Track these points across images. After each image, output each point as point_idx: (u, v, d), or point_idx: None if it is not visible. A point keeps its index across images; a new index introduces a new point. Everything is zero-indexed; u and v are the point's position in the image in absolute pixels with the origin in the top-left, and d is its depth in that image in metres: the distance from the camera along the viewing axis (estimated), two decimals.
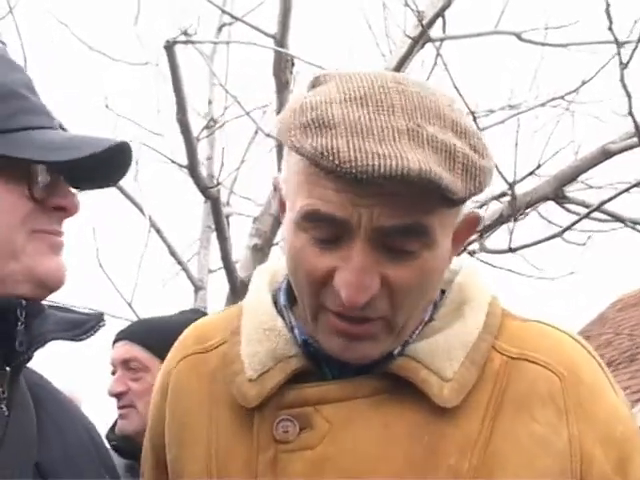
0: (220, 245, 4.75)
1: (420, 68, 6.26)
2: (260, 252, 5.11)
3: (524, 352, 1.23)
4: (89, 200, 1.33)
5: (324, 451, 1.20)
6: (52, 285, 1.22)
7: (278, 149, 5.06)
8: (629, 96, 3.64)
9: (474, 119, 4.24)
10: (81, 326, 1.29)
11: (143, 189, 5.51)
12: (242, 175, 6.54)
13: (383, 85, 1.14)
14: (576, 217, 4.85)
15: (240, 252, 5.40)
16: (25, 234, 1.19)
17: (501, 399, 1.20)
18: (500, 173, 4.25)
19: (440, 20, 5.47)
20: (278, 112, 5.03)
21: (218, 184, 4.36)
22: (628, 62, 3.49)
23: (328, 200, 1.11)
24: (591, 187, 5.79)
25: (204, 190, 4.38)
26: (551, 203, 4.79)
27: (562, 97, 6.81)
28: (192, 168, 4.28)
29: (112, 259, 5.67)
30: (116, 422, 2.74)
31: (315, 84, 1.20)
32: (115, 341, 2.76)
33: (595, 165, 4.45)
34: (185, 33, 3.74)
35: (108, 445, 2.67)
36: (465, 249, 4.16)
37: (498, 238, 5.03)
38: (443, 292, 1.30)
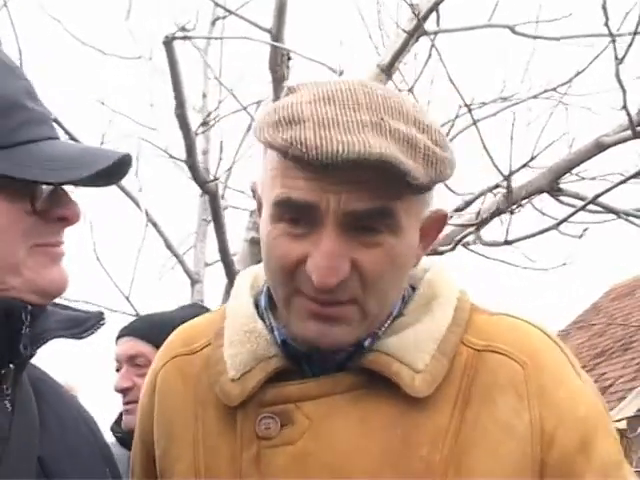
0: (218, 238, 4.76)
1: (413, 62, 6.29)
2: (257, 245, 5.02)
3: (490, 344, 1.29)
4: (86, 194, 1.36)
5: (304, 446, 1.26)
6: (55, 293, 1.26)
7: None
8: (624, 91, 3.67)
9: (469, 112, 4.27)
10: (82, 324, 1.32)
11: (139, 183, 5.48)
12: (237, 169, 6.52)
13: (350, 88, 1.23)
14: (570, 209, 4.91)
15: (236, 245, 5.42)
16: (26, 249, 1.22)
17: (469, 391, 1.25)
18: (495, 166, 4.28)
19: (434, 14, 5.48)
20: None
21: (216, 178, 4.37)
22: (623, 57, 3.52)
23: (299, 188, 1.19)
24: (583, 179, 5.83)
25: (202, 184, 4.40)
26: (545, 196, 4.83)
27: (554, 89, 6.84)
28: (191, 162, 4.30)
29: (109, 253, 5.69)
30: (121, 416, 2.77)
31: (290, 91, 1.29)
32: (119, 337, 2.79)
33: (589, 158, 4.48)
34: (183, 29, 3.76)
35: (114, 437, 2.71)
36: (461, 241, 4.20)
37: (492, 230, 5.08)
38: (413, 290, 1.36)
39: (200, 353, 1.41)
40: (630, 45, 3.67)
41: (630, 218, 4.51)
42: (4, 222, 1.19)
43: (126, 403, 2.71)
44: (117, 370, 2.78)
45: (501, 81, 7.23)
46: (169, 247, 6.18)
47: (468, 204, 4.77)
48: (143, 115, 7.59)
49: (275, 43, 4.05)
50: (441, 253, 4.26)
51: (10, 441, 1.20)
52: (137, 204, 5.97)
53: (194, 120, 5.17)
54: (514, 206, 4.03)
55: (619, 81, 3.59)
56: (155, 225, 6.11)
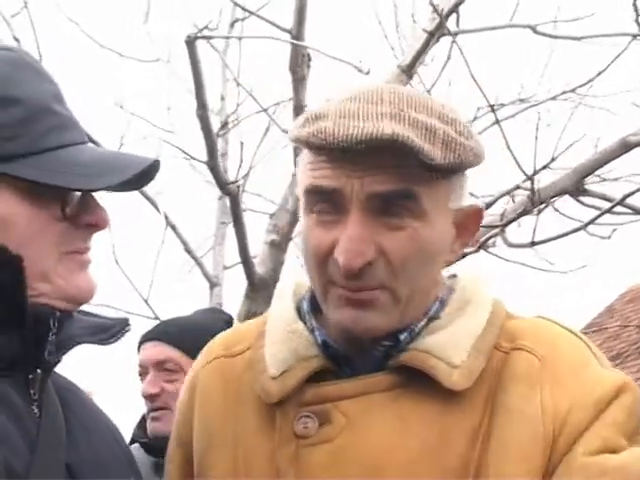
0: (238, 241, 4.73)
1: (430, 64, 6.25)
2: (277, 248, 5.10)
3: (515, 344, 1.31)
4: (105, 198, 1.34)
5: (342, 442, 1.27)
6: (83, 300, 1.27)
7: (295, 149, 5.05)
8: None
9: (493, 112, 4.22)
10: (107, 330, 1.33)
11: (159, 186, 5.46)
12: (254, 172, 6.49)
13: (376, 88, 1.30)
14: (592, 210, 4.86)
15: (255, 248, 5.39)
16: (57, 256, 1.23)
17: (495, 390, 1.27)
18: (519, 165, 4.23)
19: (454, 14, 5.45)
20: (295, 107, 5.03)
21: (238, 180, 4.34)
22: None
23: (324, 176, 1.25)
24: (605, 180, 5.78)
25: (223, 186, 4.37)
26: (566, 197, 4.78)
27: (573, 90, 6.81)
28: (212, 164, 4.27)
29: (128, 256, 5.66)
30: (143, 421, 2.71)
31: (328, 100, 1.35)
32: (144, 341, 2.71)
33: (615, 158, 4.43)
34: (206, 28, 3.73)
35: (137, 443, 2.66)
36: (486, 242, 4.15)
37: (510, 233, 5.01)
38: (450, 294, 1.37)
39: (241, 356, 1.42)
40: None
41: None
42: (35, 229, 1.21)
43: (154, 410, 2.62)
44: (140, 375, 2.71)
45: (520, 83, 7.18)
46: (188, 250, 6.16)
47: (488, 206, 4.74)
48: (160, 118, 7.55)
49: (298, 42, 4.00)
50: (464, 255, 4.21)
51: (38, 447, 1.20)
52: (156, 207, 5.96)
53: (212, 123, 5.13)
54: (541, 205, 3.96)
55: None
56: (174, 228, 6.09)
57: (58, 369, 1.33)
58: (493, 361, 1.30)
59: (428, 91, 5.57)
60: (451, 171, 1.27)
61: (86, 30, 5.95)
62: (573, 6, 6.01)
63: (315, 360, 1.32)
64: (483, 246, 4.41)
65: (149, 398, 2.63)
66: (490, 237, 4.16)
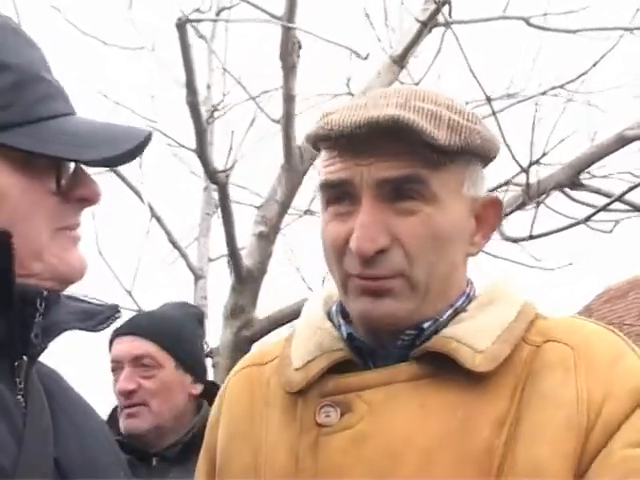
0: (226, 232, 4.63)
1: (420, 55, 6.17)
2: (266, 239, 5.01)
3: (546, 337, 1.29)
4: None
5: (362, 428, 1.27)
6: (73, 279, 1.22)
7: (285, 136, 4.97)
8: None
9: (489, 104, 4.14)
10: (96, 316, 1.27)
11: (143, 175, 5.37)
12: (239, 164, 6.39)
13: (389, 88, 1.36)
14: (585, 206, 4.79)
15: (240, 241, 5.28)
16: (50, 232, 1.18)
17: (526, 379, 1.26)
18: (514, 158, 4.16)
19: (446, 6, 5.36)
20: (285, 97, 4.94)
21: (226, 169, 4.23)
22: None
23: (335, 170, 1.29)
24: (594, 177, 5.72)
25: (212, 175, 4.26)
26: (557, 194, 4.72)
27: (562, 86, 6.76)
28: (201, 152, 4.16)
29: (111, 247, 5.56)
30: (113, 417, 2.59)
31: None
32: (119, 335, 2.59)
33: (611, 152, 4.37)
34: (197, 10, 3.62)
35: None
36: None
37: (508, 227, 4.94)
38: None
39: (271, 364, 1.45)
40: None
41: None
42: (28, 202, 1.15)
43: (130, 406, 2.51)
44: (114, 371, 2.58)
45: (510, 76, 7.11)
46: (172, 241, 6.07)
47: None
48: (145, 107, 7.44)
49: (293, 25, 3.88)
50: None
51: (25, 441, 1.14)
52: (140, 197, 5.87)
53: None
54: (540, 197, 3.89)
55: None
56: (158, 219, 6.00)
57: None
58: (523, 353, 1.28)
59: (416, 84, 5.47)
60: (458, 153, 1.28)
61: (69, 17, 5.85)
62: None
63: (339, 352, 1.33)
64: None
65: (125, 394, 2.51)
66: None
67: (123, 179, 5.86)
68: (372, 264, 1.26)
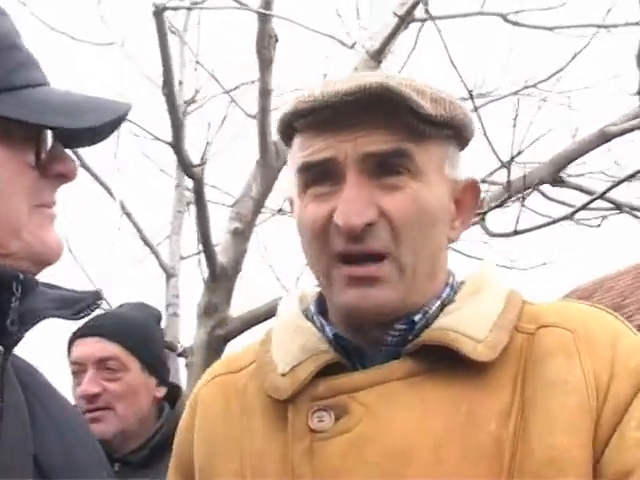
0: (200, 227, 4.53)
1: (394, 51, 6.12)
2: (241, 236, 4.91)
3: (539, 323, 1.25)
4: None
5: (362, 431, 1.20)
6: (50, 260, 1.15)
7: (261, 132, 4.89)
8: None
9: (471, 99, 4.07)
10: (76, 304, 1.20)
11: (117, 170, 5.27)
12: (210, 163, 6.29)
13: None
14: (559, 205, 4.75)
15: (213, 238, 5.18)
16: (28, 208, 1.12)
17: (526, 370, 1.21)
18: (495, 152, 4.10)
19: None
20: (261, 91, 4.85)
21: (202, 163, 4.13)
22: None
23: (317, 150, 1.23)
24: (570, 176, 5.69)
25: (187, 168, 4.16)
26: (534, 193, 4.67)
27: (534, 85, 6.75)
28: (177, 145, 4.05)
29: (82, 243, 5.45)
30: None
31: None
32: (80, 336, 2.46)
33: (593, 148, 4.32)
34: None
35: None
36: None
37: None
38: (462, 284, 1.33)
39: (245, 370, 1.37)
40: None
41: (634, 212, 4.34)
42: (7, 175, 1.08)
43: (93, 410, 2.37)
44: (75, 373, 2.44)
45: (487, 74, 7.10)
46: (143, 239, 5.97)
47: None
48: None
49: (271, 13, 3.79)
50: None
51: (2, 438, 1.08)
52: (111, 194, 5.77)
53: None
54: (524, 192, 3.83)
55: (639, 64, 3.40)
56: (129, 216, 5.90)
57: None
58: (517, 342, 1.23)
59: None
60: (441, 127, 1.24)
61: (37, 13, 5.76)
62: None
63: (326, 354, 1.26)
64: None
65: (88, 398, 2.37)
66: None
67: (94, 175, 5.75)
68: (359, 240, 1.20)
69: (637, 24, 5.85)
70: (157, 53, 3.98)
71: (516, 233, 3.84)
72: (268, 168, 5.02)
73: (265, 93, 4.84)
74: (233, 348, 5.01)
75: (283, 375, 1.27)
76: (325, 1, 7.02)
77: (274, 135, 5.05)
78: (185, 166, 4.15)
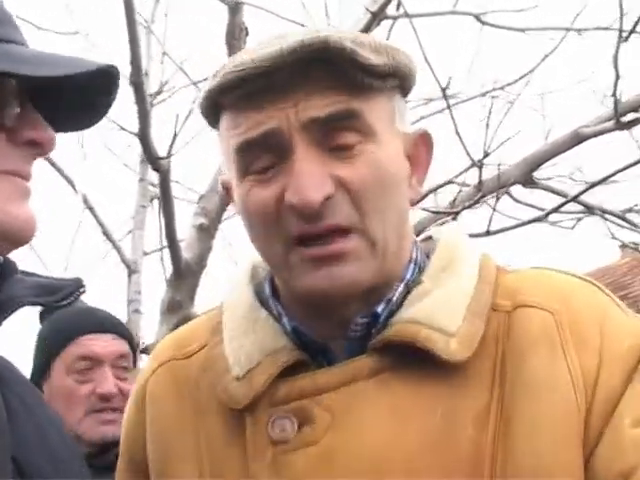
0: (166, 222, 4.42)
1: None
2: (206, 232, 4.80)
3: (516, 301, 1.14)
4: None
5: (329, 443, 1.09)
6: (21, 238, 1.02)
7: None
8: (617, 76, 3.46)
9: (444, 96, 4.02)
10: (58, 291, 1.12)
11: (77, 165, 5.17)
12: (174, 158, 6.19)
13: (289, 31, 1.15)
14: (527, 209, 4.72)
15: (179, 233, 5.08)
16: None
17: (504, 358, 1.11)
18: (467, 152, 4.06)
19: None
20: None
21: (169, 155, 4.02)
22: (628, 35, 3.30)
23: (253, 123, 1.08)
24: (537, 182, 5.66)
25: (154, 161, 4.05)
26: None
27: (502, 88, 6.74)
28: (143, 136, 3.94)
29: (42, 237, 5.33)
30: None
31: None
32: (92, 332, 2.33)
33: (566, 150, 4.28)
34: None
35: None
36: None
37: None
38: (427, 258, 1.21)
39: (196, 356, 1.24)
40: (632, 31, 3.43)
41: (606, 215, 4.32)
42: None
43: (112, 410, 2.25)
44: (83, 370, 2.29)
45: (455, 74, 7.07)
46: (105, 234, 5.85)
47: (424, 197, 4.55)
48: None
49: (244, 1, 3.69)
50: None
51: None
52: (73, 186, 5.65)
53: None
54: (499, 192, 3.79)
55: (615, 65, 3.37)
56: (92, 210, 5.78)
57: None
58: (493, 324, 1.12)
59: None
60: (389, 75, 1.11)
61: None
62: None
63: (285, 352, 1.14)
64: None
65: (106, 398, 2.26)
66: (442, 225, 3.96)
67: (56, 167, 5.62)
68: (318, 217, 1.06)
69: (607, 28, 5.86)
70: (123, 43, 3.90)
71: (488, 234, 3.78)
72: None
73: None
74: None
75: (238, 379, 1.14)
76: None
77: None
78: (151, 158, 4.04)
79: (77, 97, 1.05)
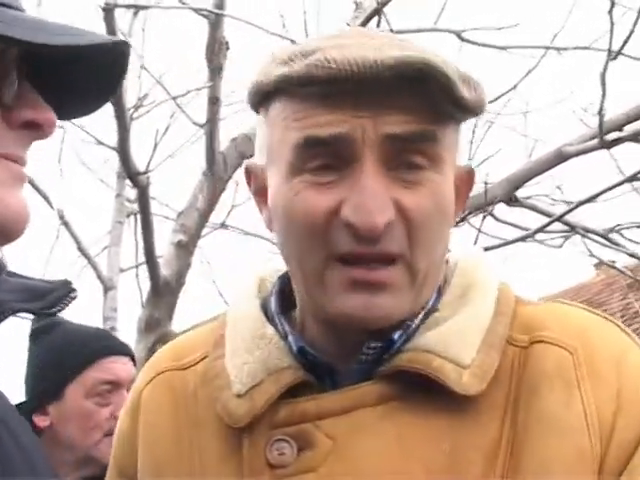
0: (145, 238, 4.36)
1: None
2: (185, 249, 4.74)
3: (534, 336, 1.08)
4: None
5: (329, 472, 1.03)
6: (12, 228, 0.90)
7: (208, 141, 4.74)
8: (604, 94, 3.43)
9: None
10: (46, 296, 0.99)
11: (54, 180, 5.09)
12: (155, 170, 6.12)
13: (350, 29, 1.14)
14: (506, 227, 4.71)
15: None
16: None
17: (518, 393, 1.05)
18: None
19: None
20: (210, 99, 4.71)
21: (148, 171, 3.96)
22: (617, 54, 3.28)
23: (325, 123, 1.01)
24: (521, 200, 5.66)
25: (133, 176, 3.98)
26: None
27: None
28: (122, 151, 3.88)
29: (17, 252, 5.23)
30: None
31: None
32: (115, 354, 2.34)
33: (549, 168, 4.26)
34: None
35: None
36: None
37: None
38: (445, 282, 1.15)
39: (194, 368, 1.18)
40: (622, 47, 3.41)
41: (588, 234, 4.30)
42: None
43: None
44: (103, 393, 2.27)
45: None
46: (81, 249, 5.77)
47: None
48: None
49: (222, 12, 3.64)
50: None
51: None
52: (49, 203, 5.57)
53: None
54: (487, 209, 3.76)
55: (603, 83, 3.34)
56: (67, 225, 5.70)
57: None
58: (508, 358, 1.07)
59: None
60: (471, 110, 1.05)
61: None
62: (499, 16, 5.90)
63: (289, 372, 1.09)
64: None
65: None
66: None
67: (32, 183, 5.53)
68: (374, 242, 1.00)
69: (587, 48, 5.87)
70: None
71: None
72: (215, 179, 4.87)
73: (214, 101, 4.70)
74: None
75: (238, 397, 1.09)
76: (271, 13, 6.91)
77: (222, 145, 4.91)
78: (130, 173, 3.98)
79: (79, 77, 0.94)
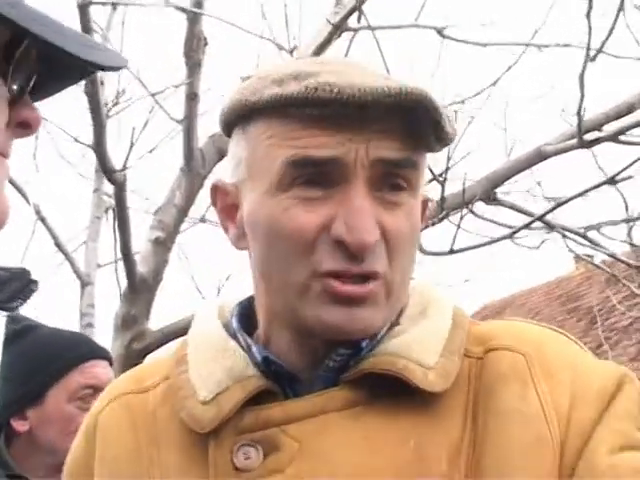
0: (121, 235, 4.32)
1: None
2: (162, 246, 4.71)
3: (487, 346, 1.14)
4: None
5: (296, 472, 1.05)
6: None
7: (186, 137, 4.70)
8: (582, 95, 3.42)
9: None
10: (1, 286, 0.89)
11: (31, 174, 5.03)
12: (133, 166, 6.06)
13: (339, 59, 1.19)
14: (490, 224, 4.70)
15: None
16: None
17: (477, 399, 1.10)
18: (431, 170, 4.00)
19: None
20: (188, 95, 4.68)
21: (125, 168, 3.92)
22: (596, 55, 3.27)
23: (319, 144, 1.04)
24: (500, 199, 5.65)
25: (109, 173, 3.94)
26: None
27: (462, 102, 6.72)
28: (99, 148, 3.83)
29: None
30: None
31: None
32: (97, 358, 2.33)
33: (529, 167, 4.25)
34: None
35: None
36: None
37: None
38: None
39: (154, 391, 1.19)
40: (602, 46, 3.40)
41: (567, 233, 4.29)
42: None
43: None
44: (85, 397, 2.25)
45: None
46: (58, 245, 5.71)
47: None
48: None
49: (201, 11, 3.60)
50: None
51: None
52: (26, 198, 5.51)
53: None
54: (447, 214, 3.74)
55: (581, 84, 3.33)
56: (44, 221, 5.64)
57: None
58: (465, 368, 1.12)
59: None
60: (445, 145, 1.11)
61: None
62: (480, 12, 5.88)
63: (254, 380, 1.11)
64: None
65: None
66: None
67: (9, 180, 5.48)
68: (361, 260, 1.04)
69: (567, 45, 5.87)
70: None
71: (452, 252, 3.72)
72: (193, 176, 4.83)
73: (192, 97, 4.66)
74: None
75: (204, 404, 1.10)
76: (252, 9, 6.85)
77: (200, 141, 4.88)
78: (107, 170, 3.94)
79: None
